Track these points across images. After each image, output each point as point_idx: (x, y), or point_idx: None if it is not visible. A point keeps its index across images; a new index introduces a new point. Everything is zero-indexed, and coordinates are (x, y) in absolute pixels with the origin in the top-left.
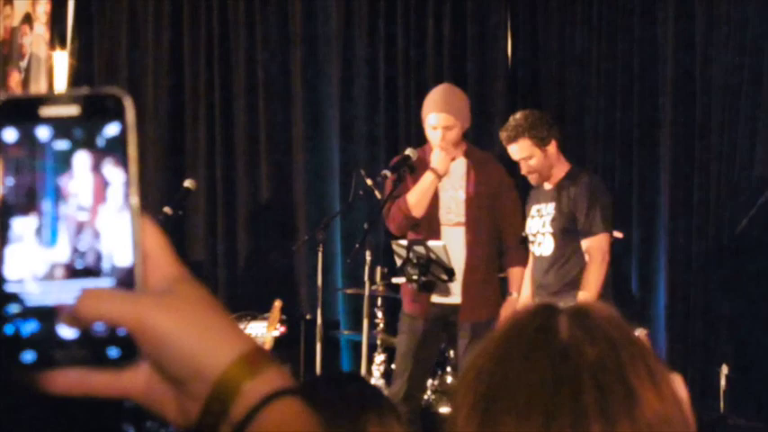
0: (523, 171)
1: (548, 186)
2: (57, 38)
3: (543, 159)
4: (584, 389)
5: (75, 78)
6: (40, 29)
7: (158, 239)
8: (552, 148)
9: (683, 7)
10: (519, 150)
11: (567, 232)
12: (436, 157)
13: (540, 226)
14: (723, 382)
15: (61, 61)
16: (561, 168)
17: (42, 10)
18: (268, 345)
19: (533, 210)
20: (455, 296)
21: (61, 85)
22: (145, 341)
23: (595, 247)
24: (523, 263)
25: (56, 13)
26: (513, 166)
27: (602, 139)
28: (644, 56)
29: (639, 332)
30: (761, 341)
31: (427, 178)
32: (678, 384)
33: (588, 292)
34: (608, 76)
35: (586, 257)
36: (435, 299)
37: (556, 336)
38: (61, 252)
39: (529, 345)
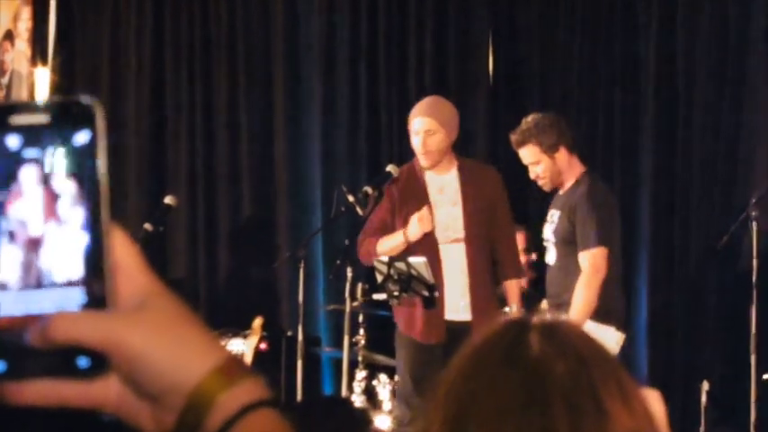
0: (531, 176)
1: (561, 192)
2: (38, 54)
3: (551, 166)
4: (555, 407)
5: (57, 94)
6: (22, 45)
7: (130, 250)
8: (562, 154)
9: (665, 18)
10: (526, 155)
11: (568, 243)
12: (413, 228)
13: (548, 233)
14: (704, 398)
15: (43, 77)
16: (573, 174)
17: (24, 27)
18: (248, 361)
19: (549, 215)
20: (464, 313)
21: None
22: (118, 361)
23: (588, 262)
24: (519, 275)
25: (37, 30)
26: (511, 172)
27: (584, 151)
28: (626, 68)
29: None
30: (742, 358)
31: (397, 239)
32: (654, 400)
33: (574, 309)
34: (590, 87)
35: None
36: (449, 316)
37: (526, 353)
38: (30, 260)
39: (499, 362)
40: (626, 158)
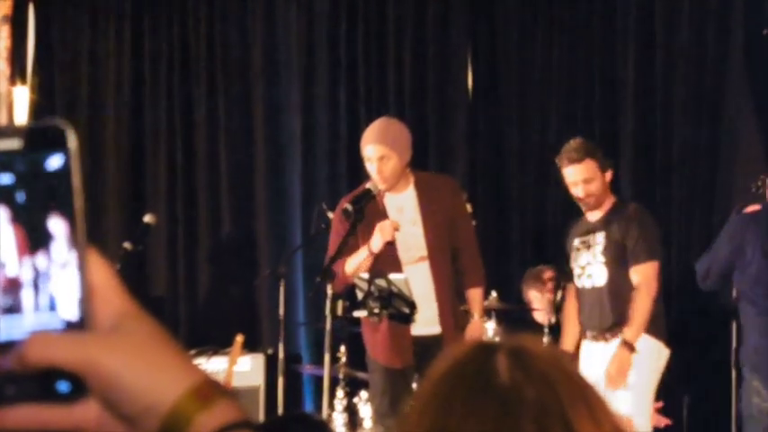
0: (580, 194)
1: (593, 217)
2: (17, 73)
3: (601, 185)
4: None
5: (36, 113)
6: (1, 64)
7: (106, 273)
8: (609, 176)
9: (644, 34)
10: (583, 171)
11: (620, 261)
12: (376, 240)
13: (590, 257)
14: (686, 412)
15: (21, 96)
16: (609, 199)
17: (2, 45)
18: (229, 380)
19: (576, 242)
20: (433, 327)
21: (22, 120)
22: (94, 383)
23: (642, 276)
24: (481, 283)
25: (16, 49)
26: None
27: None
28: (605, 84)
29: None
30: (723, 373)
31: (362, 254)
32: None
33: (634, 325)
34: (568, 105)
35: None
36: (419, 331)
37: (495, 379)
38: (9, 287)
39: (469, 390)
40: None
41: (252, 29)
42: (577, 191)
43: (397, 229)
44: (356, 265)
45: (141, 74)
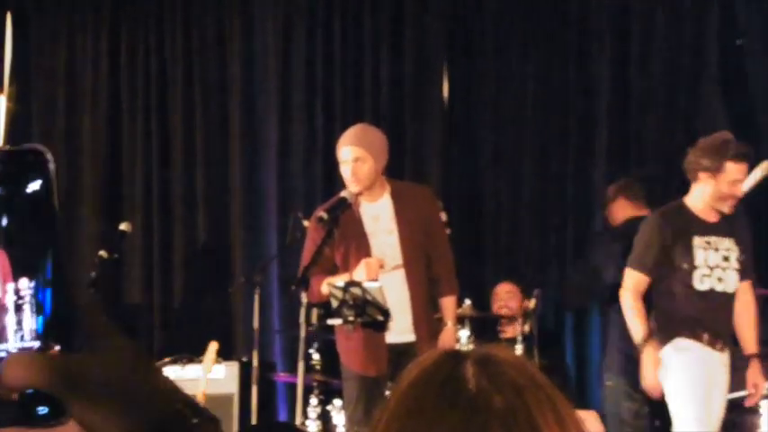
0: (739, 194)
1: (711, 218)
2: None
3: None
4: None
5: (13, 122)
6: None
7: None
8: None
9: (619, 47)
10: (746, 171)
11: (744, 271)
12: (360, 274)
13: (719, 260)
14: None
15: None
16: None
17: None
18: (203, 387)
19: (697, 240)
20: (408, 335)
21: None
22: (72, 403)
23: (751, 290)
24: (455, 292)
25: None
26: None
27: (538, 175)
28: (579, 95)
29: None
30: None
31: (341, 281)
32: (592, 422)
33: (755, 338)
34: (543, 116)
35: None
36: (394, 339)
37: (463, 387)
38: None
39: (437, 397)
40: (579, 183)
41: (229, 40)
42: (737, 189)
43: (382, 266)
44: (332, 291)
45: (118, 84)
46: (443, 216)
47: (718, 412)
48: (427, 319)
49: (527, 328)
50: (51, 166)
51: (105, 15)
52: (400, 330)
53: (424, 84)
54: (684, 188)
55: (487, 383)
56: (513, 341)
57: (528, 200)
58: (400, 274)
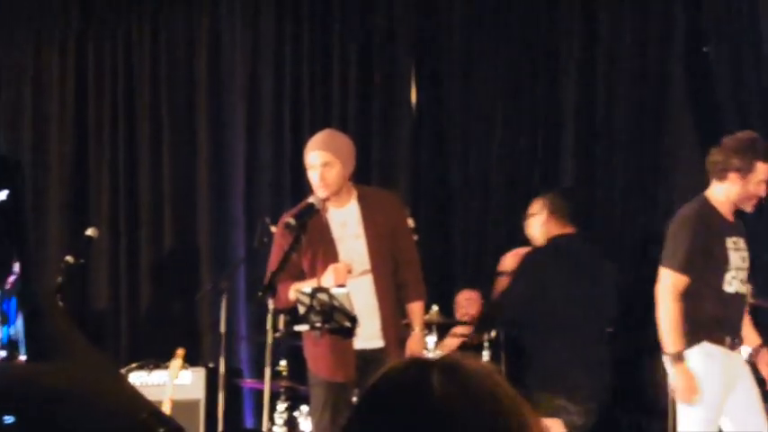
0: (762, 193)
1: (731, 218)
2: None
3: None
4: None
5: None
6: None
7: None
8: None
9: (585, 53)
10: None
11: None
12: (328, 279)
13: (740, 261)
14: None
15: None
16: None
17: None
18: (170, 393)
19: (730, 242)
20: (376, 341)
21: None
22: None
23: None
24: (422, 297)
25: None
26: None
27: (505, 186)
28: (547, 104)
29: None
30: (662, 386)
31: (309, 287)
32: (557, 430)
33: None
34: (511, 122)
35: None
36: (362, 345)
37: (429, 393)
38: None
39: (403, 405)
40: (548, 186)
41: (197, 49)
42: (762, 189)
43: (350, 272)
44: (300, 297)
45: (85, 87)
46: (411, 222)
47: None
48: (395, 324)
49: (493, 334)
50: (21, 176)
51: (72, 27)
52: (368, 336)
53: (392, 91)
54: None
55: (454, 390)
56: (479, 348)
57: (496, 208)
58: (367, 280)
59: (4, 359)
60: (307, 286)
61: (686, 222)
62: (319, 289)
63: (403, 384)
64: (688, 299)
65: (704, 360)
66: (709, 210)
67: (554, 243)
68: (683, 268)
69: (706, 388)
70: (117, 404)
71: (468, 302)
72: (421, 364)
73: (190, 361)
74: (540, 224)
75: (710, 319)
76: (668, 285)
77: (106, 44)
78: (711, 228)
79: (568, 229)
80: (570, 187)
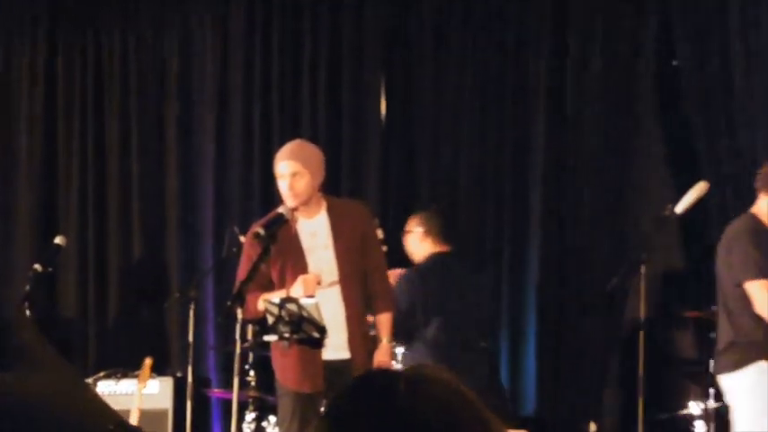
0: None
1: None
2: None
3: None
4: None
5: None
6: None
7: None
8: None
9: (554, 66)
10: None
11: None
12: (298, 290)
13: None
14: None
15: None
16: None
17: None
18: (138, 402)
19: None
20: (343, 351)
21: None
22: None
23: None
24: (390, 308)
25: None
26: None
27: (473, 196)
28: (517, 108)
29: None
30: (630, 399)
31: (278, 297)
32: None
33: None
34: (480, 134)
35: None
36: (329, 356)
37: (395, 404)
38: None
39: (370, 415)
40: (517, 199)
41: (167, 53)
42: None
43: (319, 283)
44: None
45: (54, 94)
46: (380, 233)
47: None
48: (363, 335)
49: None
50: None
51: (41, 29)
52: (336, 347)
53: (361, 101)
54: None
55: (419, 402)
56: None
57: (465, 217)
58: (336, 291)
59: None
60: (276, 297)
61: (740, 236)
62: (288, 299)
63: (369, 395)
64: (745, 314)
65: (763, 378)
66: (757, 224)
67: (431, 260)
68: (764, 273)
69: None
70: (84, 416)
71: None
72: (387, 375)
73: (158, 370)
74: (416, 242)
75: (764, 337)
76: (764, 294)
77: (75, 47)
78: (761, 242)
79: (443, 247)
80: (443, 205)
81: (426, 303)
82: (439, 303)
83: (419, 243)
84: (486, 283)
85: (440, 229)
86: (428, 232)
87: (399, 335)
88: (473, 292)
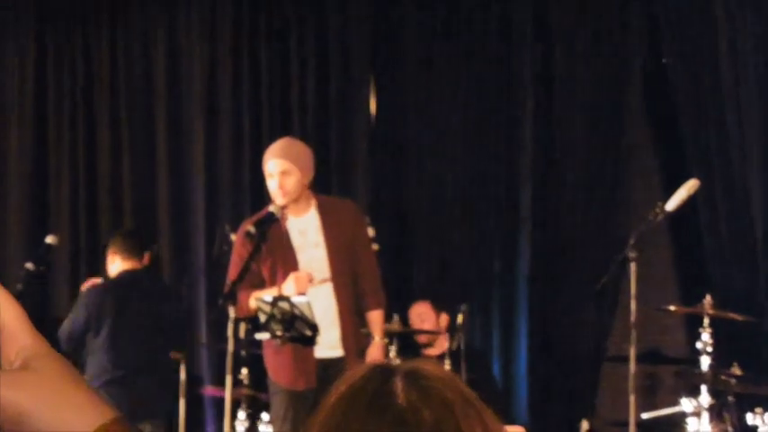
0: None
1: None
2: None
3: None
4: None
5: None
6: None
7: (14, 311)
8: None
9: (542, 62)
10: None
11: None
12: (289, 288)
13: None
14: None
15: None
16: None
17: None
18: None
19: None
20: (336, 349)
21: None
22: (3, 419)
23: None
24: (382, 306)
25: None
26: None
27: (463, 195)
28: (504, 113)
29: None
30: (621, 397)
31: (269, 295)
32: None
33: None
34: (468, 133)
35: None
36: (321, 354)
37: (393, 400)
38: None
39: (366, 411)
40: (509, 196)
41: (155, 54)
42: None
43: (311, 281)
44: (260, 306)
45: (45, 92)
46: (370, 231)
47: None
48: (355, 333)
49: (454, 345)
50: None
51: (30, 32)
52: (328, 345)
53: (350, 100)
54: (609, 202)
55: (416, 398)
56: (441, 357)
57: (455, 216)
58: (327, 289)
59: None
60: (268, 295)
61: None
62: (280, 297)
63: (365, 390)
64: None
65: None
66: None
67: (119, 276)
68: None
69: None
70: (78, 411)
71: (419, 318)
72: (383, 371)
73: None
74: (109, 263)
75: None
76: None
77: (65, 49)
78: None
79: (131, 264)
80: (134, 229)
81: (100, 314)
82: (119, 315)
83: (110, 264)
84: (176, 300)
85: (127, 249)
86: (114, 254)
87: (68, 342)
88: (161, 303)
